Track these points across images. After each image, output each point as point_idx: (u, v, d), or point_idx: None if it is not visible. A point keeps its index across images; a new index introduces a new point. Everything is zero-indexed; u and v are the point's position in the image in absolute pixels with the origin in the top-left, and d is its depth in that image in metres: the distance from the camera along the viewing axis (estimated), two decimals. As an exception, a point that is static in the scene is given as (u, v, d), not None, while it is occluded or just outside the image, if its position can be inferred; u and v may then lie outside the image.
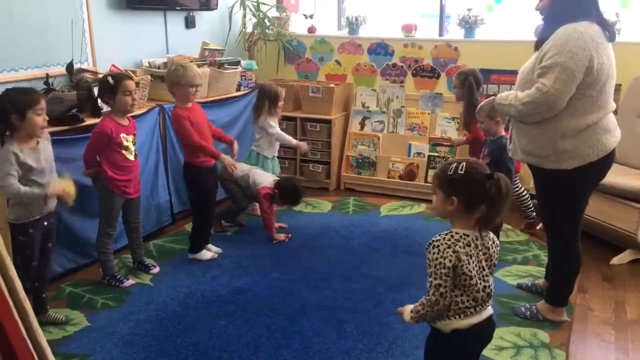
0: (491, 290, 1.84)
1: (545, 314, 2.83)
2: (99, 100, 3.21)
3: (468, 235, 1.78)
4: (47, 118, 2.60)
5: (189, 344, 2.64)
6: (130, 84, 3.03)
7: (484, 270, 1.82)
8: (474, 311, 1.80)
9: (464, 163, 1.77)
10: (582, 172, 2.53)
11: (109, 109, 3.09)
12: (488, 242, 1.84)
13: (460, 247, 1.74)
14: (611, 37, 2.50)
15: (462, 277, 1.75)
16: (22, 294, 1.18)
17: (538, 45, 2.57)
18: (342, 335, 2.72)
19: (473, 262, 1.77)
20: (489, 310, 1.85)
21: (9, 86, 3.15)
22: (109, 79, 3.00)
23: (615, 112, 2.64)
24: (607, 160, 2.57)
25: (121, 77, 3.04)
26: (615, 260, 3.53)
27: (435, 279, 1.74)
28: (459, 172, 1.75)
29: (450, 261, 1.72)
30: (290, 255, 3.61)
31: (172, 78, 3.33)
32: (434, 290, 1.74)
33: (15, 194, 2.49)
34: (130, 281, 3.21)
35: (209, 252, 3.57)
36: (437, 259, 1.73)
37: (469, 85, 3.73)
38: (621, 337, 2.77)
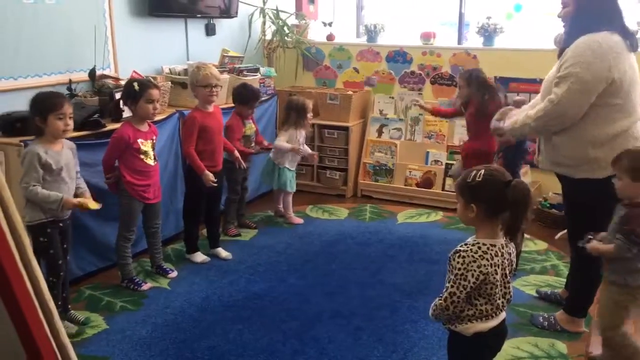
0: (511, 296, 1.88)
1: (563, 324, 2.80)
2: (121, 104, 3.26)
3: (494, 246, 1.79)
4: (70, 123, 2.65)
5: (205, 348, 2.66)
6: (155, 93, 3.08)
7: (506, 277, 1.84)
8: (495, 315, 1.83)
9: (483, 170, 1.79)
10: (612, 182, 2.50)
11: (130, 113, 3.14)
12: (510, 249, 1.86)
13: (487, 259, 1.75)
14: (634, 47, 2.49)
15: (488, 286, 1.77)
16: (47, 295, 1.21)
17: (561, 53, 2.57)
18: (357, 342, 2.72)
19: (499, 273, 1.79)
20: (504, 313, 1.89)
21: (34, 91, 3.23)
22: (135, 84, 3.05)
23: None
24: None
25: (147, 85, 3.09)
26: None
27: (452, 286, 1.76)
28: (477, 179, 1.77)
29: (473, 275, 1.74)
30: (307, 261, 3.62)
31: (190, 80, 3.45)
32: (447, 296, 1.77)
33: (33, 195, 2.56)
34: (148, 285, 3.25)
35: (201, 256, 3.61)
36: (459, 269, 1.75)
37: (477, 79, 3.63)
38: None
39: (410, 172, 4.80)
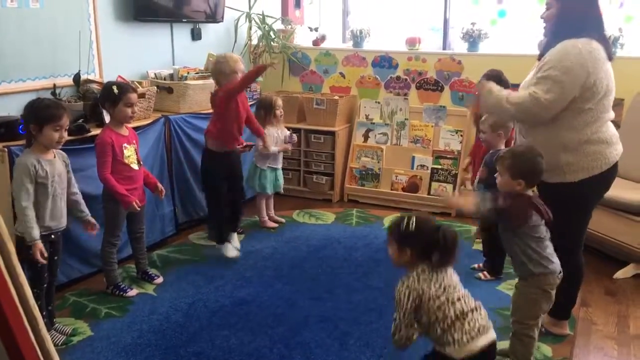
0: (480, 323, 1.98)
1: (547, 327, 2.83)
2: (104, 113, 3.24)
3: (425, 271, 1.97)
4: (65, 135, 2.61)
5: (191, 354, 2.65)
6: (134, 97, 3.07)
7: (465, 304, 1.99)
8: (464, 344, 1.93)
9: (414, 218, 1.98)
10: (587, 184, 2.55)
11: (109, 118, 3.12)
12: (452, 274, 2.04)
13: (426, 286, 1.95)
14: (610, 55, 2.55)
15: (445, 315, 1.94)
16: (32, 301, 1.20)
17: (541, 57, 2.61)
18: (344, 347, 2.72)
19: (446, 299, 1.96)
20: (490, 335, 2.00)
21: (18, 96, 3.23)
22: (114, 88, 3.02)
23: (618, 126, 2.66)
24: (610, 174, 2.59)
25: (126, 89, 3.07)
26: (618, 274, 3.53)
27: (396, 311, 1.97)
28: (411, 227, 1.97)
29: (408, 299, 1.94)
30: (294, 266, 3.62)
31: (217, 70, 3.50)
32: (393, 322, 1.98)
33: (21, 209, 2.51)
34: (134, 291, 3.22)
35: (233, 251, 3.63)
36: (398, 294, 1.96)
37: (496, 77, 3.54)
38: (624, 352, 2.76)
39: (396, 176, 4.82)
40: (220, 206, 3.63)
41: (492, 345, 1.99)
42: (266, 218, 4.31)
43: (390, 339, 2.71)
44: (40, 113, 2.53)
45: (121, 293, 3.18)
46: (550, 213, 2.35)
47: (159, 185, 3.25)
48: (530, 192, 2.39)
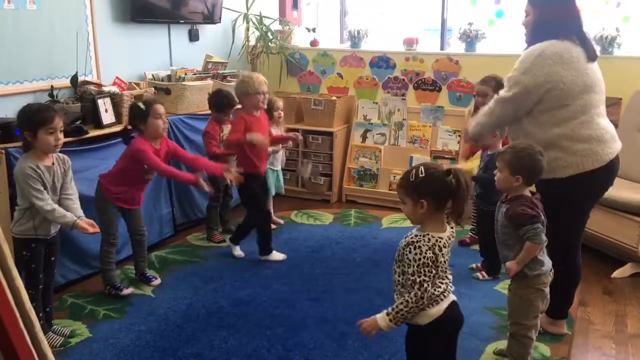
0: (450, 280, 1.97)
1: (545, 326, 2.83)
2: (102, 115, 3.27)
3: (442, 238, 1.90)
4: (61, 137, 2.58)
5: (189, 355, 2.65)
6: (161, 108, 3.12)
7: (447, 262, 1.95)
8: (443, 298, 1.92)
9: (422, 167, 1.90)
10: (577, 181, 2.56)
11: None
12: (452, 236, 1.96)
13: (437, 249, 1.87)
14: (591, 55, 2.59)
15: (438, 272, 1.89)
16: (28, 304, 1.20)
17: None
18: (343, 347, 2.72)
19: (442, 261, 1.90)
20: (452, 296, 1.97)
21: (15, 98, 3.23)
22: (141, 104, 3.07)
23: (616, 126, 2.67)
24: (605, 173, 2.59)
25: (151, 102, 3.13)
26: (616, 273, 3.53)
27: (419, 276, 1.85)
28: (421, 175, 1.87)
29: (432, 260, 1.85)
30: (292, 267, 3.62)
31: (240, 89, 3.50)
32: (418, 286, 1.85)
33: (50, 211, 2.49)
34: (130, 289, 3.22)
35: (278, 255, 3.71)
36: (420, 258, 1.85)
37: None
38: (622, 351, 2.77)
39: (394, 176, 4.82)
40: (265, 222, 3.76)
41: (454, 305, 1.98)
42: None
43: (385, 338, 2.72)
44: (32, 118, 2.50)
45: (117, 292, 3.18)
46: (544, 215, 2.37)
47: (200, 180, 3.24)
48: (528, 193, 2.40)
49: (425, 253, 1.84)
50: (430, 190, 1.86)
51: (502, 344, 2.61)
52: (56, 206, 2.52)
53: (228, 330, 2.86)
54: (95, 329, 2.88)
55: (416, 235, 1.90)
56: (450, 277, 1.97)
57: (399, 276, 1.94)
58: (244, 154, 3.49)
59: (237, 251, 3.76)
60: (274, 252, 3.73)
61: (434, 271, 1.86)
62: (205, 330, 2.87)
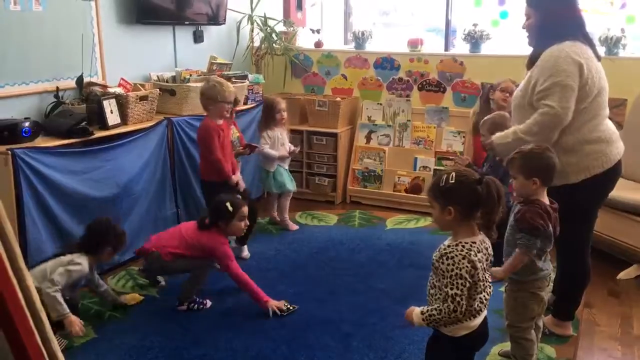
0: (491, 289, 1.92)
1: (551, 328, 2.83)
2: (107, 116, 3.31)
3: (475, 243, 1.84)
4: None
5: (195, 356, 2.65)
6: (246, 210, 3.11)
7: (485, 271, 1.89)
8: (481, 312, 1.87)
9: (454, 173, 1.85)
10: (589, 185, 2.56)
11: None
12: (487, 242, 1.91)
13: (473, 255, 1.80)
14: (597, 55, 2.59)
15: (477, 284, 1.82)
16: (39, 304, 1.20)
17: (529, 63, 2.66)
18: (347, 348, 2.72)
19: (480, 268, 1.83)
20: (485, 312, 1.93)
21: (21, 99, 3.24)
22: (229, 205, 3.03)
23: (620, 127, 2.67)
24: (613, 173, 2.60)
25: (239, 204, 3.08)
26: (621, 275, 3.52)
27: (451, 288, 1.79)
28: (450, 182, 1.82)
29: (467, 271, 1.78)
30: (296, 268, 3.62)
31: (208, 94, 3.44)
32: (451, 299, 1.79)
33: (48, 296, 2.56)
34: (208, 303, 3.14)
35: (247, 253, 3.74)
36: (452, 270, 1.79)
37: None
38: (628, 353, 2.76)
39: (398, 178, 4.82)
40: None
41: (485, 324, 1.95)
42: (287, 218, 4.30)
43: (390, 339, 2.72)
44: (119, 239, 2.87)
45: (200, 307, 3.09)
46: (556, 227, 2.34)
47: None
48: (546, 198, 2.36)
49: (459, 264, 1.78)
50: (458, 198, 1.82)
51: (507, 346, 2.60)
52: (57, 294, 2.58)
53: (233, 331, 2.86)
54: (100, 329, 2.88)
55: (449, 246, 1.85)
56: (490, 289, 1.91)
57: (432, 288, 1.91)
58: (211, 164, 3.49)
59: (245, 252, 3.75)
60: (245, 247, 3.75)
61: (468, 284, 1.79)
62: (211, 331, 2.87)
